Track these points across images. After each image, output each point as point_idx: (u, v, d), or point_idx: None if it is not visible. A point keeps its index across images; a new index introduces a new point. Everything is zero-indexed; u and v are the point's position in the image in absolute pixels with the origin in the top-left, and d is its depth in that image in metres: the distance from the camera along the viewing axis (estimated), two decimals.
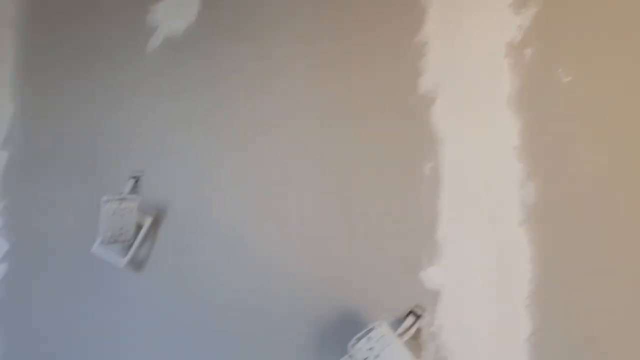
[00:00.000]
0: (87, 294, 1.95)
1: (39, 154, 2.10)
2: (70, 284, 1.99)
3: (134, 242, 1.83)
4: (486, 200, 1.48)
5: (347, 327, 1.54)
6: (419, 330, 1.47)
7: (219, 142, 1.82)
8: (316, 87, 1.71)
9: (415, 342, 1.46)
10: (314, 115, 1.70)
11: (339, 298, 1.59)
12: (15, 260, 2.09)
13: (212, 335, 1.75)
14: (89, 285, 1.95)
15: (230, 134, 1.80)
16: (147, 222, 1.84)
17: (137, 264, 1.87)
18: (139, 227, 1.84)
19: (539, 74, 1.49)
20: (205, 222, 1.80)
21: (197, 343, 1.77)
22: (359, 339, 1.42)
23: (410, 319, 1.47)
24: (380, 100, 1.62)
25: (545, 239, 1.43)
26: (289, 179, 1.71)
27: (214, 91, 1.85)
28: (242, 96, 1.80)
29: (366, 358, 1.41)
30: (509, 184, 1.47)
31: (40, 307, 2.03)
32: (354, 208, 1.61)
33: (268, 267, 1.69)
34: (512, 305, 1.43)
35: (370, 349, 1.41)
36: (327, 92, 1.69)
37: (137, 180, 1.89)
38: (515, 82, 1.50)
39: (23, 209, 2.11)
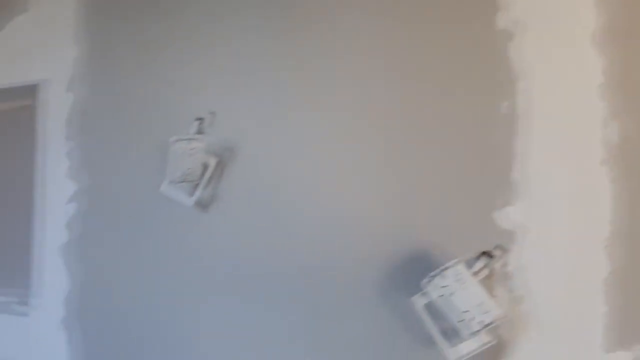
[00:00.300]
0: (155, 233, 1.99)
1: (105, 96, 2.12)
2: (138, 223, 2.03)
3: (200, 182, 1.85)
4: (567, 139, 1.45)
5: (419, 267, 1.55)
6: (492, 271, 1.47)
7: (288, 87, 1.80)
8: (388, 24, 1.67)
9: (489, 282, 1.46)
10: (386, 54, 1.66)
11: (411, 238, 1.59)
12: (84, 200, 2.14)
13: (277, 275, 1.78)
14: (157, 224, 1.99)
15: (301, 78, 1.78)
16: (213, 162, 1.86)
17: (203, 204, 1.90)
18: (205, 168, 1.85)
19: (626, 9, 1.42)
20: (272, 164, 1.81)
21: (262, 281, 1.80)
22: (434, 276, 1.43)
23: (483, 260, 1.47)
24: (456, 37, 1.58)
25: (627, 178, 1.39)
26: (359, 121, 1.69)
27: (288, 36, 1.81)
28: (316, 42, 1.77)
29: (441, 295, 1.42)
30: (591, 123, 1.43)
31: (108, 246, 2.08)
32: (426, 148, 1.59)
33: (338, 209, 1.69)
34: (590, 245, 1.41)
35: (445, 286, 1.41)
36: (399, 28, 1.65)
37: (201, 122, 1.89)
38: (601, 18, 1.44)
39: (91, 150, 2.14)
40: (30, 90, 2.29)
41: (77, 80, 2.18)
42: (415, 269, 1.55)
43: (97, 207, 2.12)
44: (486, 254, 1.47)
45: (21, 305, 2.35)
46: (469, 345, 1.42)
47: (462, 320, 1.39)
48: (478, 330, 1.37)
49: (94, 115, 2.14)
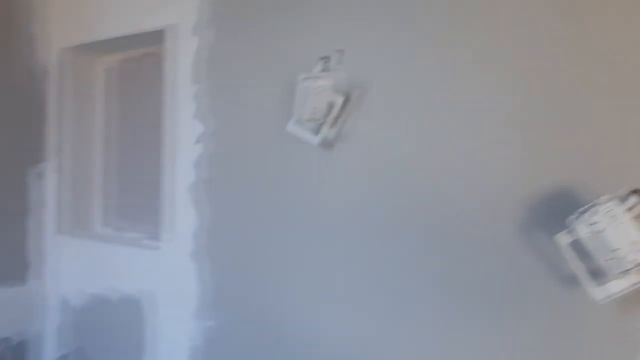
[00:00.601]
0: (278, 172, 2.04)
1: (230, 37, 2.16)
2: (262, 162, 2.08)
3: (326, 120, 1.86)
4: None
5: (562, 205, 1.48)
6: None
7: (422, 24, 1.73)
8: None
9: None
10: None
11: (554, 176, 1.52)
12: (211, 141, 2.23)
13: (406, 217, 1.77)
14: (280, 163, 2.04)
15: (435, 13, 1.71)
16: (340, 101, 1.86)
17: (328, 143, 1.91)
18: (331, 106, 1.85)
19: None
20: (400, 103, 1.77)
21: (387, 223, 1.80)
22: (583, 213, 1.37)
23: (635, 198, 1.38)
24: None
25: None
26: (496, 55, 1.61)
27: None
28: None
29: (589, 233, 1.36)
30: None
31: (233, 184, 2.17)
32: (571, 81, 1.50)
33: (473, 146, 1.64)
34: None
35: (594, 223, 1.35)
36: None
37: (327, 60, 1.88)
38: None
39: (217, 92, 2.21)
40: (157, 36, 2.39)
41: (202, 24, 2.24)
42: (558, 207, 1.49)
43: (223, 147, 2.20)
44: (638, 192, 1.38)
45: (153, 240, 2.52)
46: (618, 285, 1.36)
47: (611, 259, 1.33)
48: (629, 269, 1.31)
49: (220, 58, 2.20)
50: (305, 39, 1.96)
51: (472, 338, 1.64)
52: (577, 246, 1.41)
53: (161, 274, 2.42)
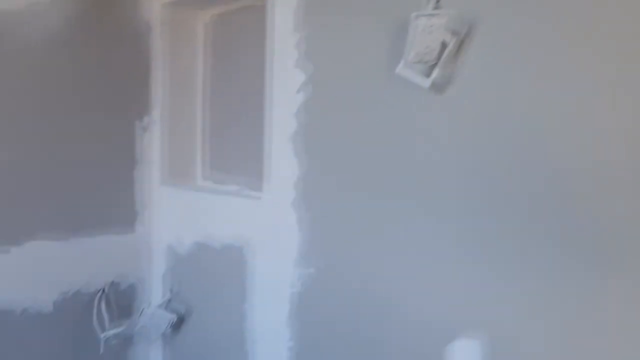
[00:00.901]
0: (385, 118, 2.00)
1: None
2: (364, 109, 2.04)
3: (438, 62, 1.79)
4: None
5: None
6: None
7: None
8: None
9: None
10: None
11: None
12: (314, 89, 2.21)
13: (525, 169, 1.65)
14: (387, 108, 1.99)
15: None
16: (452, 41, 1.77)
17: (439, 86, 1.84)
18: (443, 46, 1.78)
19: None
20: (520, 43, 1.66)
21: (505, 174, 1.71)
22: None
23: None
24: None
25: None
26: None
27: None
28: None
29: None
30: None
31: (339, 133, 2.14)
32: None
33: (606, 88, 1.51)
34: None
35: None
36: None
37: None
38: None
39: (319, 37, 2.18)
40: None
41: None
42: None
43: (326, 94, 2.18)
44: None
45: (255, 190, 2.57)
46: None
47: None
48: None
49: (323, 1, 2.16)
50: None
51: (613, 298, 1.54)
52: None
53: (263, 223, 2.46)
